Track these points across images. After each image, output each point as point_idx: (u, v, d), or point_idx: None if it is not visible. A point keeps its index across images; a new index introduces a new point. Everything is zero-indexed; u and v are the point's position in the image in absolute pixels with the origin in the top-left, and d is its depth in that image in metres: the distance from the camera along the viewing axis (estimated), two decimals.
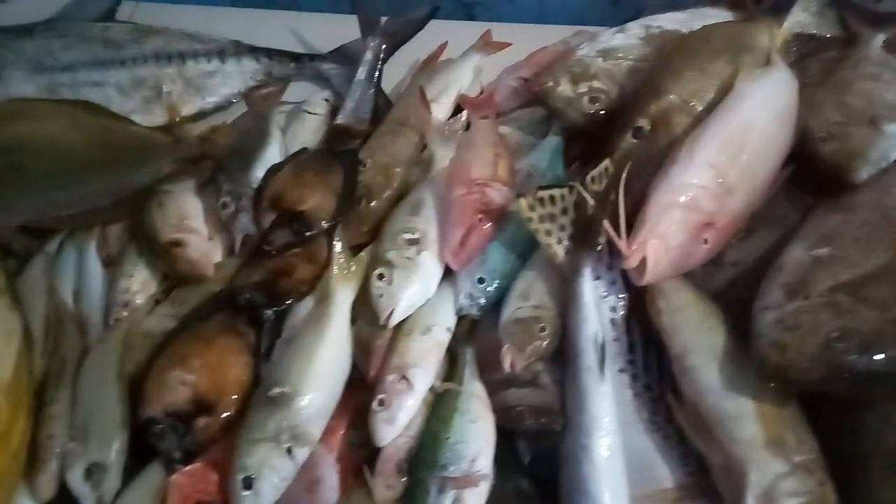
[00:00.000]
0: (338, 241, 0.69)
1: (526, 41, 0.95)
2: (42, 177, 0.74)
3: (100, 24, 0.90)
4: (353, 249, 0.73)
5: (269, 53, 0.92)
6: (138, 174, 0.77)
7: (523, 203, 0.64)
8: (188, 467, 0.60)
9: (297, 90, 0.96)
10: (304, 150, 0.83)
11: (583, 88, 0.76)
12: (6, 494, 0.58)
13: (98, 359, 0.65)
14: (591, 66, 0.78)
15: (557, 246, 0.65)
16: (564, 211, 0.65)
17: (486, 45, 0.93)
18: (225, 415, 0.62)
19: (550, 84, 0.77)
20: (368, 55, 0.87)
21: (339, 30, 0.99)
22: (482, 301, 0.67)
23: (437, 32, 0.97)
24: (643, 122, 0.70)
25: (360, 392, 0.65)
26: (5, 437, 0.57)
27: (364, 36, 0.88)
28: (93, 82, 0.86)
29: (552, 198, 0.65)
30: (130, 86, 0.87)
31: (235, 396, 0.63)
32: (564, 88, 0.76)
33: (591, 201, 0.64)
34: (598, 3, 1.00)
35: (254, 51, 0.91)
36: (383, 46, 0.87)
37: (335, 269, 0.68)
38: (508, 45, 0.93)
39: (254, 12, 1.06)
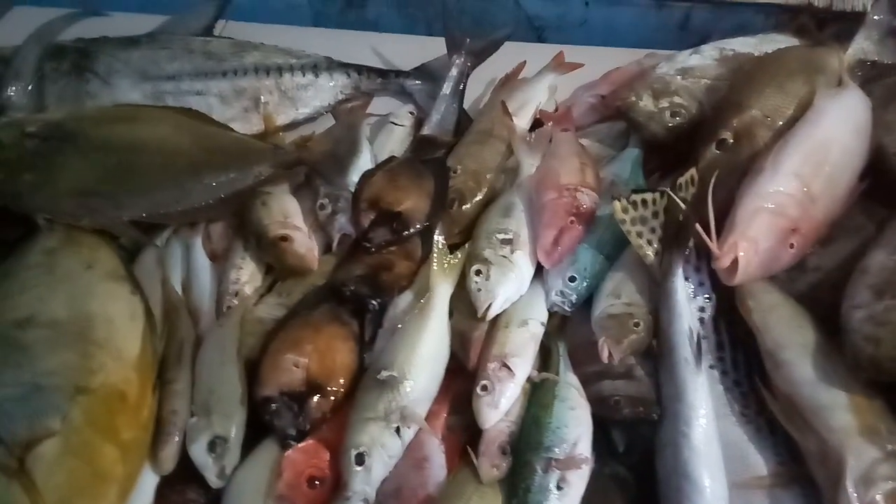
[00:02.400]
0: (438, 239, 0.73)
1: (595, 62, 1.01)
2: (154, 176, 0.80)
3: (200, 38, 0.97)
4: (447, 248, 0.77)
5: (359, 69, 0.98)
6: (240, 177, 0.82)
7: (618, 206, 0.69)
8: (301, 444, 0.64)
9: (379, 104, 1.02)
10: (392, 157, 0.88)
11: (664, 103, 0.81)
12: (137, 464, 0.62)
13: (217, 341, 0.69)
14: (671, 84, 0.83)
15: (648, 247, 0.69)
16: (655, 214, 0.70)
17: (560, 65, 0.99)
18: (334, 396, 0.67)
19: (633, 99, 0.82)
20: (454, 72, 0.93)
21: (414, 50, 1.05)
22: (573, 298, 0.71)
23: (509, 53, 1.03)
24: (727, 135, 0.74)
25: (458, 380, 0.69)
26: (137, 409, 0.62)
27: (450, 55, 0.93)
28: (195, 91, 0.93)
29: (644, 201, 0.69)
30: (231, 96, 0.93)
31: (343, 379, 0.68)
32: (646, 103, 0.81)
33: (682, 206, 0.68)
34: (665, 28, 1.06)
35: (345, 66, 0.98)
36: (468, 64, 0.93)
37: (435, 266, 0.72)
38: (581, 65, 0.99)
39: (334, 32, 1.13)
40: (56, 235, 0.75)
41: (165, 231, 0.82)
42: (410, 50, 1.06)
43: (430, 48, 1.03)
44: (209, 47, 0.95)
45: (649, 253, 0.69)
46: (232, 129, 0.90)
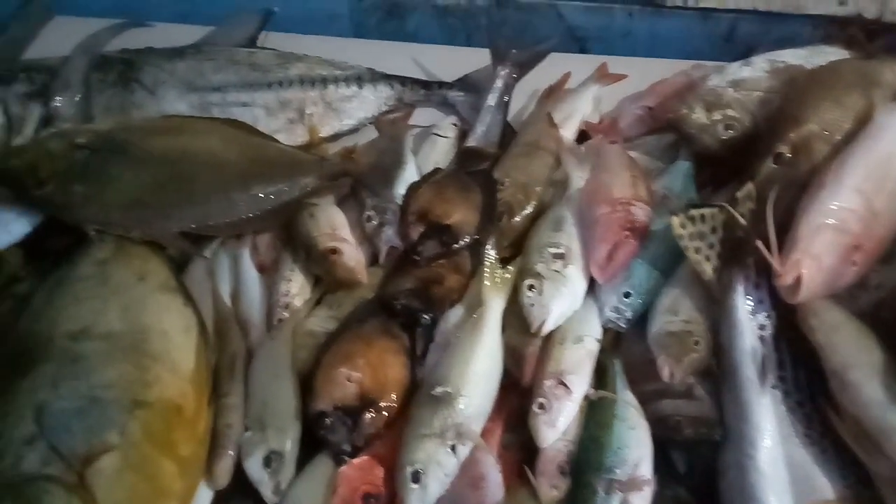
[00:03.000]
0: (490, 253, 0.73)
1: (639, 73, 1.00)
2: (203, 187, 0.80)
3: (246, 50, 0.98)
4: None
5: (402, 80, 0.98)
6: (287, 188, 0.82)
7: (676, 221, 0.68)
8: (356, 460, 0.63)
9: (421, 115, 1.01)
10: (437, 169, 0.88)
11: (717, 116, 0.80)
12: (195, 480, 0.61)
13: (270, 354, 0.69)
14: (723, 96, 0.81)
15: (706, 263, 0.68)
16: (713, 230, 0.69)
17: (603, 76, 0.98)
18: (387, 411, 0.66)
19: (685, 111, 0.81)
20: (499, 83, 0.92)
21: (454, 60, 1.05)
22: (629, 314, 0.70)
23: (550, 64, 1.02)
24: (784, 149, 0.73)
25: (512, 397, 0.68)
26: (193, 423, 0.62)
27: (495, 66, 0.93)
28: (241, 103, 0.93)
29: (703, 217, 0.68)
30: (276, 107, 0.93)
31: (396, 394, 0.67)
32: (699, 115, 0.80)
33: (742, 221, 0.67)
34: (711, 39, 1.04)
35: (388, 78, 0.97)
36: (513, 76, 0.93)
37: (487, 281, 0.71)
38: (625, 76, 0.98)
39: (374, 43, 1.13)
40: (107, 246, 0.75)
41: (213, 243, 0.83)
42: (450, 61, 1.05)
43: (471, 59, 1.02)
44: (254, 59, 0.96)
45: (708, 269, 0.68)
46: (277, 141, 0.90)
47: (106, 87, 0.92)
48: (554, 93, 0.95)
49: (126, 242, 0.76)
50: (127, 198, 0.77)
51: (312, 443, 0.66)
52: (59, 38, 1.09)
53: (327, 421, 0.64)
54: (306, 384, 0.68)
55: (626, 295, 0.70)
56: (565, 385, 0.64)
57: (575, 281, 0.71)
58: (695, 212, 0.67)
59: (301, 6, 1.12)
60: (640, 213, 0.72)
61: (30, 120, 0.90)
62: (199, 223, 0.80)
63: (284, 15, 1.09)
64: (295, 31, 1.11)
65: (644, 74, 1.00)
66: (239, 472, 0.64)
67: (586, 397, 0.65)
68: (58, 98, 0.90)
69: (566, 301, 0.70)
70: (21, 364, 0.63)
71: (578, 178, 0.80)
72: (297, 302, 0.76)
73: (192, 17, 1.10)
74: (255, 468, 0.62)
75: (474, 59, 1.02)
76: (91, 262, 0.73)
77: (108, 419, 0.58)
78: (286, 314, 0.74)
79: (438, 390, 0.64)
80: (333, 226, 0.80)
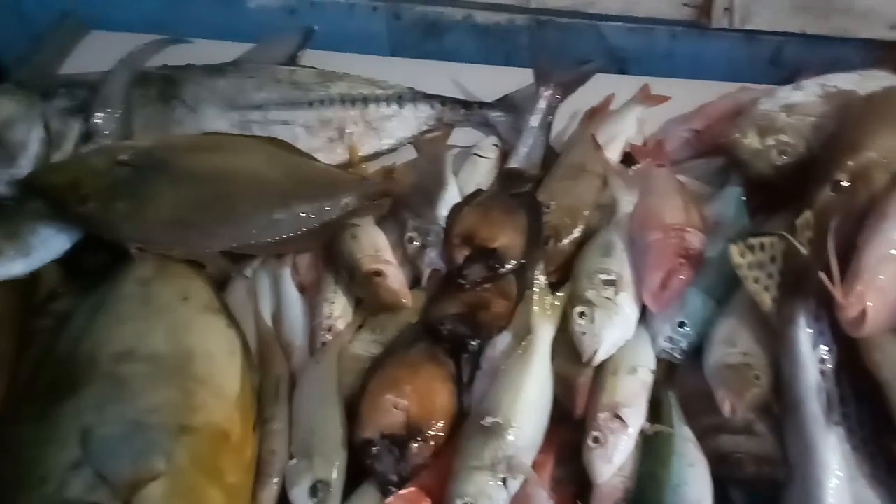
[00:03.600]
0: (539, 278, 0.71)
1: (681, 95, 0.98)
2: (245, 206, 0.79)
3: (286, 68, 0.97)
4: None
5: (443, 100, 0.97)
6: (329, 208, 0.81)
7: (735, 250, 0.66)
8: (403, 491, 0.61)
9: (458, 135, 1.00)
10: (479, 191, 0.86)
11: (770, 141, 0.78)
12: None
13: (316, 378, 0.67)
14: (776, 121, 0.79)
15: (765, 294, 0.66)
16: (773, 259, 0.67)
17: (646, 97, 0.96)
18: (434, 440, 0.64)
19: (737, 136, 0.79)
20: (542, 104, 0.91)
21: (492, 80, 1.04)
22: (683, 345, 0.68)
23: (589, 85, 1.00)
24: (842, 177, 0.71)
25: (562, 429, 0.66)
26: (240, 450, 0.60)
27: (538, 86, 0.92)
28: (282, 121, 0.92)
29: (762, 245, 0.66)
30: (317, 126, 0.92)
31: (443, 423, 0.65)
32: (752, 140, 0.78)
33: (803, 251, 0.65)
34: (756, 61, 1.03)
35: (429, 97, 0.96)
36: (557, 97, 0.91)
37: (536, 307, 0.70)
38: (668, 98, 0.96)
39: (411, 62, 1.12)
40: (149, 265, 0.74)
41: (253, 262, 0.82)
42: (489, 80, 1.04)
43: (510, 79, 1.01)
44: (295, 77, 0.95)
45: (767, 300, 0.66)
46: (317, 160, 0.89)
47: (146, 104, 0.92)
48: (597, 114, 0.93)
49: (168, 261, 0.75)
50: (169, 215, 0.76)
51: (357, 471, 0.64)
52: (94, 54, 1.09)
53: (374, 450, 0.62)
54: (351, 411, 0.66)
55: (681, 325, 0.68)
56: (621, 418, 0.62)
57: (627, 309, 0.69)
58: (754, 240, 0.66)
59: (338, 24, 1.12)
60: (695, 239, 0.71)
61: (70, 135, 0.90)
62: (241, 242, 0.79)
63: (321, 32, 1.09)
64: (331, 48, 1.10)
65: (686, 96, 0.98)
66: (283, 501, 0.62)
67: (642, 431, 0.63)
68: (98, 114, 0.90)
69: (619, 330, 0.68)
70: (64, 386, 0.62)
71: (626, 201, 0.79)
72: (340, 324, 0.74)
73: (230, 33, 1.10)
74: (300, 497, 0.60)
75: (513, 78, 1.01)
76: (133, 281, 0.72)
77: (154, 445, 0.57)
78: (329, 337, 0.73)
79: (488, 420, 0.62)
80: (376, 247, 0.79)
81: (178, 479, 0.56)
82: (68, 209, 0.76)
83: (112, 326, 0.67)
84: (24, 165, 0.87)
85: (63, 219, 0.78)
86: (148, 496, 0.54)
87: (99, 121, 0.90)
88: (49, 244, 0.78)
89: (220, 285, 0.79)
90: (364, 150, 0.94)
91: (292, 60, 1.00)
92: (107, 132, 0.89)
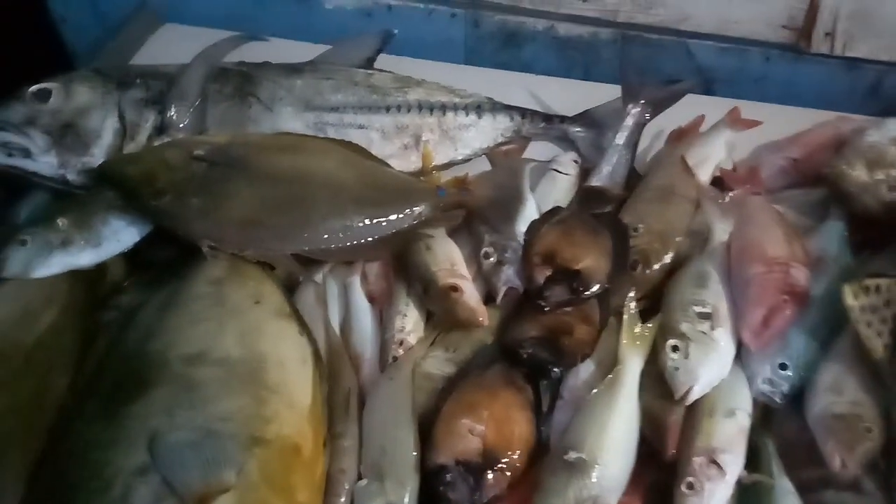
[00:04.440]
0: (631, 306, 0.67)
1: (771, 121, 0.94)
2: (319, 210, 0.76)
3: (364, 71, 0.95)
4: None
5: (523, 112, 0.93)
6: (402, 216, 0.78)
7: (849, 291, 0.61)
8: None
9: (532, 149, 0.97)
10: (558, 208, 0.83)
11: (880, 175, 0.73)
12: None
13: (389, 396, 0.64)
14: (886, 154, 0.75)
15: (877, 340, 0.61)
16: (888, 303, 0.62)
17: (736, 121, 0.92)
18: (511, 471, 0.60)
19: (843, 167, 0.74)
20: (629, 121, 0.87)
21: (569, 94, 1.00)
22: (784, 388, 0.64)
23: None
24: None
25: (648, 469, 0.62)
26: (311, 466, 0.57)
27: (626, 103, 0.88)
28: (358, 125, 0.89)
29: (878, 287, 0.61)
30: (393, 131, 0.90)
31: (520, 453, 0.62)
32: (860, 173, 0.74)
33: None
34: (853, 90, 0.98)
35: (508, 108, 0.93)
36: (646, 115, 0.87)
37: (625, 337, 0.66)
38: (759, 123, 0.92)
39: (486, 71, 1.09)
40: (221, 265, 0.71)
41: (322, 268, 0.79)
42: (565, 94, 1.01)
43: (587, 94, 0.98)
44: (373, 80, 0.93)
45: (879, 347, 0.61)
46: (390, 166, 0.87)
47: (222, 100, 0.90)
48: (685, 135, 0.89)
49: (240, 262, 0.72)
50: (243, 215, 0.74)
51: (426, 497, 0.61)
52: (166, 46, 1.09)
53: (448, 477, 0.59)
54: (423, 432, 0.63)
55: (783, 366, 0.64)
56: (718, 465, 0.58)
57: (724, 345, 0.65)
58: (870, 282, 0.61)
59: (414, 29, 1.09)
60: (800, 275, 0.66)
61: (144, 127, 0.88)
62: (313, 246, 0.76)
63: (396, 38, 1.07)
64: (404, 54, 1.08)
65: (777, 123, 0.94)
66: None
67: (738, 481, 0.59)
68: (174, 107, 0.89)
69: (714, 367, 0.63)
70: (131, 385, 0.60)
71: (721, 229, 0.74)
72: (412, 339, 0.71)
73: (304, 34, 1.09)
74: None
75: (592, 93, 0.97)
76: (205, 280, 0.69)
77: (225, 455, 0.54)
78: (400, 351, 0.70)
79: (572, 456, 0.59)
80: (452, 261, 0.76)
81: (248, 494, 0.53)
82: (142, 202, 0.75)
83: (183, 326, 0.64)
84: (97, 154, 0.85)
85: (135, 211, 0.76)
86: None
87: (174, 114, 0.88)
88: (120, 236, 0.76)
89: (288, 290, 0.77)
90: (438, 160, 0.91)
91: (370, 64, 0.98)
92: (181, 126, 0.88)
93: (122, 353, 0.64)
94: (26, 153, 0.82)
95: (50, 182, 0.83)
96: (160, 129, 0.89)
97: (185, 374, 0.60)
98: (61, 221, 0.74)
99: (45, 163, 0.83)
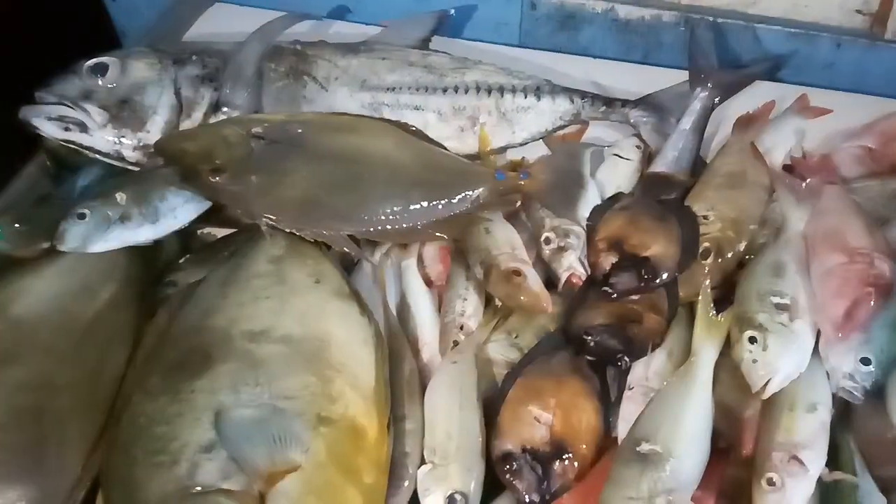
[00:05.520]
0: (706, 294, 0.65)
1: (841, 109, 0.89)
2: (377, 191, 0.75)
3: (419, 51, 0.93)
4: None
5: (583, 95, 0.91)
6: (460, 199, 0.76)
7: None
8: None
9: (590, 133, 0.94)
10: (620, 194, 0.80)
11: None
12: None
13: (453, 380, 0.62)
14: None
15: None
16: None
17: (805, 108, 0.88)
18: (578, 461, 0.59)
19: None
20: (697, 105, 0.84)
21: (628, 78, 0.97)
22: (867, 384, 0.60)
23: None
24: None
25: (722, 463, 0.59)
26: (377, 448, 0.56)
27: (693, 87, 0.85)
28: (414, 106, 0.88)
29: None
30: (449, 113, 0.88)
31: (587, 444, 0.60)
32: None
33: None
34: None
35: (568, 91, 0.91)
36: (714, 100, 0.84)
37: (700, 328, 0.63)
38: (829, 111, 0.88)
39: (541, 54, 1.06)
40: (280, 243, 0.71)
41: (378, 250, 0.78)
42: (624, 78, 0.98)
43: (647, 78, 0.95)
44: (429, 61, 0.91)
45: None
46: (446, 148, 0.85)
47: (277, 78, 0.89)
48: (754, 122, 0.86)
49: (298, 241, 0.71)
50: (301, 194, 0.73)
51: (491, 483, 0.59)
52: (217, 26, 1.08)
53: (514, 464, 0.57)
54: (488, 418, 0.61)
55: (865, 361, 0.61)
56: (800, 461, 0.55)
57: (803, 338, 0.62)
58: None
59: (468, 11, 1.07)
60: (885, 267, 0.63)
61: (200, 104, 0.87)
62: (371, 227, 0.74)
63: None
64: (457, 36, 1.06)
65: (846, 111, 0.89)
66: None
67: (820, 478, 0.56)
68: (230, 84, 0.87)
69: (794, 360, 0.61)
70: (195, 361, 0.59)
71: (798, 218, 0.71)
72: (472, 323, 0.69)
73: (357, 14, 1.07)
74: None
75: (652, 78, 0.94)
76: (266, 258, 0.69)
77: (292, 434, 0.53)
78: (461, 335, 0.68)
79: (645, 447, 0.56)
80: (512, 245, 0.74)
81: (316, 473, 0.52)
82: (200, 179, 0.73)
83: (245, 303, 0.64)
84: (153, 130, 0.84)
85: (193, 188, 0.75)
86: (284, 490, 0.50)
87: (230, 91, 0.87)
88: (177, 212, 0.76)
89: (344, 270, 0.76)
90: (495, 142, 0.89)
91: (425, 45, 0.96)
92: (237, 103, 0.87)
93: (183, 329, 0.64)
94: (83, 128, 0.82)
95: (105, 157, 0.83)
96: (216, 107, 0.87)
97: (250, 351, 0.59)
98: (120, 196, 0.74)
99: (101, 138, 0.82)
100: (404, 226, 0.75)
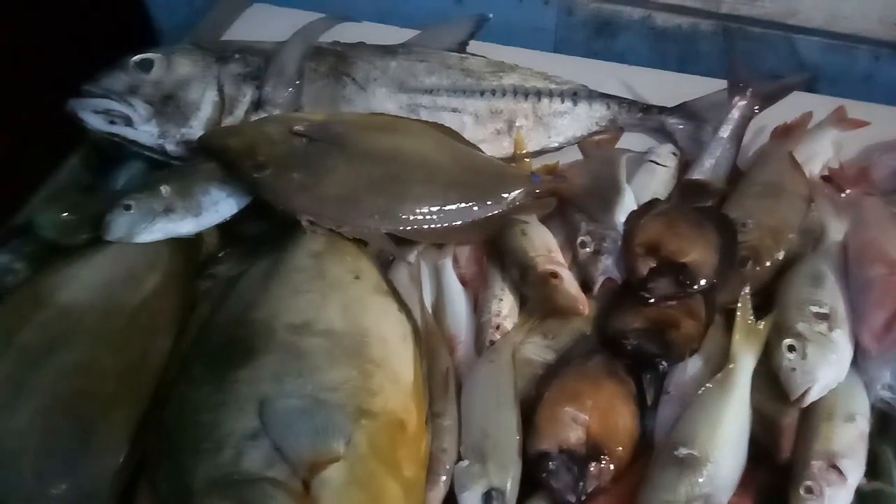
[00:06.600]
0: (746, 301, 0.65)
1: (879, 122, 0.89)
2: (415, 190, 0.76)
3: (457, 55, 0.94)
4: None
5: (620, 101, 0.92)
6: (495, 201, 0.77)
7: None
8: None
9: (625, 140, 0.95)
10: (656, 200, 0.81)
11: None
12: None
13: (490, 379, 0.63)
14: None
15: None
16: None
17: (842, 120, 0.88)
18: (615, 464, 0.59)
19: None
20: (735, 114, 0.84)
21: (663, 85, 0.98)
22: None
23: None
24: None
25: (759, 471, 0.59)
26: (416, 442, 0.56)
27: (732, 95, 0.85)
28: (451, 108, 0.89)
29: None
30: (486, 116, 0.89)
31: (624, 447, 0.60)
32: None
33: None
34: None
35: (605, 97, 0.92)
36: (754, 109, 0.85)
37: (738, 334, 0.63)
38: (866, 123, 0.88)
39: (576, 60, 1.07)
40: (319, 239, 0.71)
41: (414, 249, 0.79)
42: (659, 86, 0.98)
43: (682, 86, 0.95)
44: (467, 64, 0.92)
45: None
46: (482, 151, 0.86)
47: (317, 78, 0.90)
48: (792, 132, 0.86)
49: (337, 237, 0.72)
50: (341, 191, 0.74)
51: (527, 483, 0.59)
52: (255, 26, 1.09)
53: (550, 464, 0.58)
54: (524, 418, 0.61)
55: None
56: (839, 470, 0.55)
57: (842, 347, 0.62)
58: None
59: (504, 16, 1.08)
60: None
61: (242, 101, 0.89)
62: (407, 227, 0.75)
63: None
64: (493, 40, 1.07)
65: (884, 124, 0.90)
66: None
67: (858, 488, 0.56)
68: (272, 83, 0.89)
69: (833, 369, 0.61)
70: (239, 351, 0.60)
71: (836, 228, 0.72)
72: (508, 324, 0.70)
73: (395, 17, 1.09)
74: (473, 503, 0.56)
75: (688, 86, 0.95)
76: (306, 253, 0.69)
77: (334, 425, 0.53)
78: (497, 335, 0.69)
79: (683, 451, 0.57)
80: (548, 247, 0.74)
81: (358, 465, 0.52)
82: (243, 174, 0.75)
83: (287, 297, 0.64)
84: (195, 126, 0.86)
85: (235, 183, 0.76)
86: (327, 480, 0.51)
87: (272, 90, 0.89)
88: (219, 206, 0.77)
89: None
90: (531, 146, 0.89)
91: (461, 48, 0.97)
92: (279, 102, 0.88)
93: (226, 320, 0.65)
94: (128, 121, 0.84)
95: (149, 151, 0.85)
96: (257, 105, 0.89)
97: (292, 343, 0.60)
98: (164, 189, 0.75)
99: (145, 132, 0.84)
100: (441, 226, 0.76)
